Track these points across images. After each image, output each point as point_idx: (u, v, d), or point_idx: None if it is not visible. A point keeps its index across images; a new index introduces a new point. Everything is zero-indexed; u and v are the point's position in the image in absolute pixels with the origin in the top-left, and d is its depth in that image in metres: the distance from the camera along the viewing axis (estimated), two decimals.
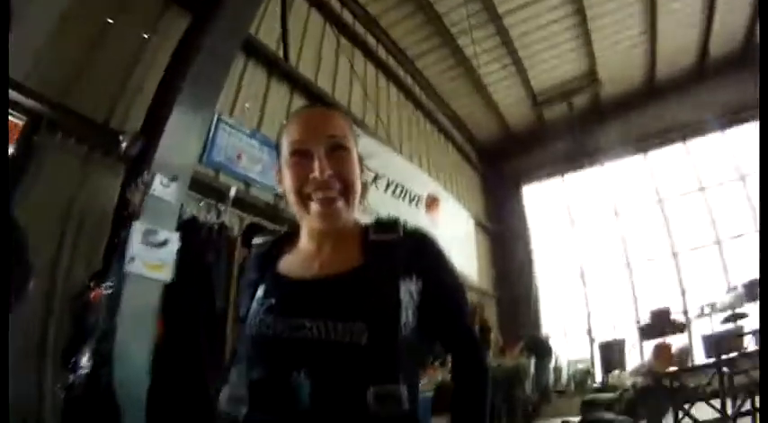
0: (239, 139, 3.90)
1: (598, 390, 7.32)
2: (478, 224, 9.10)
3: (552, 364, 8.66)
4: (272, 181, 4.12)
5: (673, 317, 8.10)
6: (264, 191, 4.08)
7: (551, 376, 8.60)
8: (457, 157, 9.23)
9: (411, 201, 6.36)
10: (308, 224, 0.96)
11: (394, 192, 5.99)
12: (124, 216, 2.64)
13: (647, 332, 8.17)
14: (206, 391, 2.76)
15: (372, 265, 0.90)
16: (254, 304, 0.92)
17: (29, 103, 2.59)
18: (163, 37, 3.42)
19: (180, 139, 2.91)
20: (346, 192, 0.92)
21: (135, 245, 2.49)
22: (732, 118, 8.00)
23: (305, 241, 0.99)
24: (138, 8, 3.37)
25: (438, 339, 0.99)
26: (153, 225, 2.59)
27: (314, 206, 0.91)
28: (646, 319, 8.29)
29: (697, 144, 8.77)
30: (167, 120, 2.85)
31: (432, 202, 6.87)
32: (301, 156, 0.91)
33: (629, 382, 5.95)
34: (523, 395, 7.15)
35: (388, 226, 0.97)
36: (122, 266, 2.46)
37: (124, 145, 2.81)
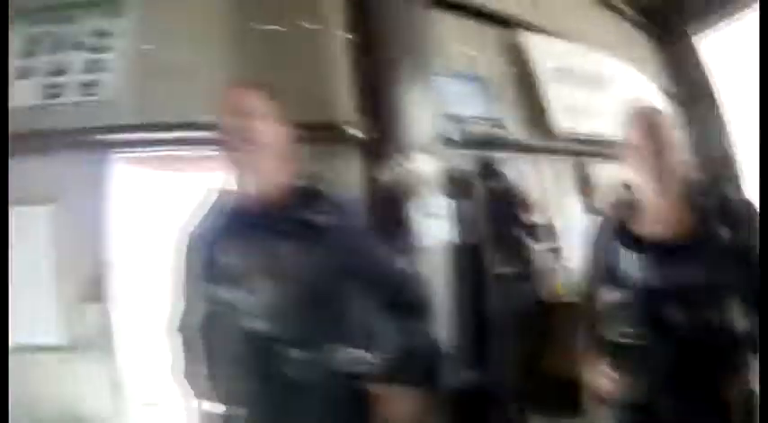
0: (456, 85, 3.73)
1: None
2: (659, 89, 7.92)
3: None
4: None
5: None
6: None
7: None
8: (620, 26, 8.05)
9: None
10: None
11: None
12: (395, 199, 2.74)
13: None
14: None
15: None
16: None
17: None
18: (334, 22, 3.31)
19: (411, 111, 2.87)
20: None
21: (417, 221, 2.65)
22: None
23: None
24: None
25: None
26: (424, 198, 2.70)
27: None
28: None
29: None
30: (394, 98, 2.84)
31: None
32: None
33: None
34: None
35: None
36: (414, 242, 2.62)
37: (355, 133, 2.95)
